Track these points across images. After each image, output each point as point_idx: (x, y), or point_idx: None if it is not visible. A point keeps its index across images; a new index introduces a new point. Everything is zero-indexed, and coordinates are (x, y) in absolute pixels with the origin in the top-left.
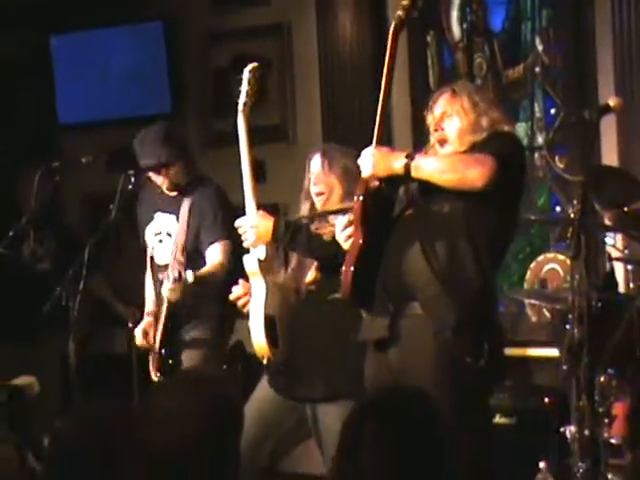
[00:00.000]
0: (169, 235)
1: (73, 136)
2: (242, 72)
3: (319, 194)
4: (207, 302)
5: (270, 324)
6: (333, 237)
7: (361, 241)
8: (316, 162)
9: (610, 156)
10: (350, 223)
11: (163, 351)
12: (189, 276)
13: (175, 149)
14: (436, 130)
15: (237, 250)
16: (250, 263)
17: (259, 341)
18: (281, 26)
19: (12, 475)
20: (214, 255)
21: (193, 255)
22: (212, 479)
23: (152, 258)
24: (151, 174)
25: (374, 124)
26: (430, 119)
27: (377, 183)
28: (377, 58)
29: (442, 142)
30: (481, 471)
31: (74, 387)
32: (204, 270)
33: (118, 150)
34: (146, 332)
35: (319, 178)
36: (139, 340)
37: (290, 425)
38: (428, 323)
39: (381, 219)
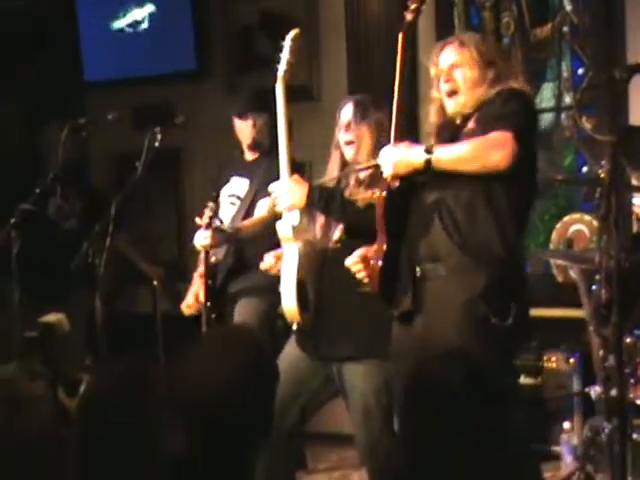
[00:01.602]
0: (239, 199)
1: (98, 93)
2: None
3: (349, 143)
4: (252, 257)
5: (301, 289)
6: (367, 204)
7: (385, 246)
8: (347, 110)
9: (638, 116)
10: (362, 259)
11: (208, 304)
12: (221, 225)
13: (263, 105)
14: (447, 81)
15: None
16: (283, 229)
17: (290, 306)
18: None
19: (46, 410)
20: (260, 210)
21: None
22: (246, 434)
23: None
24: (238, 124)
25: (390, 122)
26: (434, 71)
27: (398, 183)
28: (403, 17)
29: (452, 93)
30: (511, 430)
31: (101, 345)
32: (240, 223)
33: (144, 107)
34: (197, 295)
35: (349, 127)
36: (189, 303)
37: (317, 383)
38: (452, 285)
39: (403, 215)
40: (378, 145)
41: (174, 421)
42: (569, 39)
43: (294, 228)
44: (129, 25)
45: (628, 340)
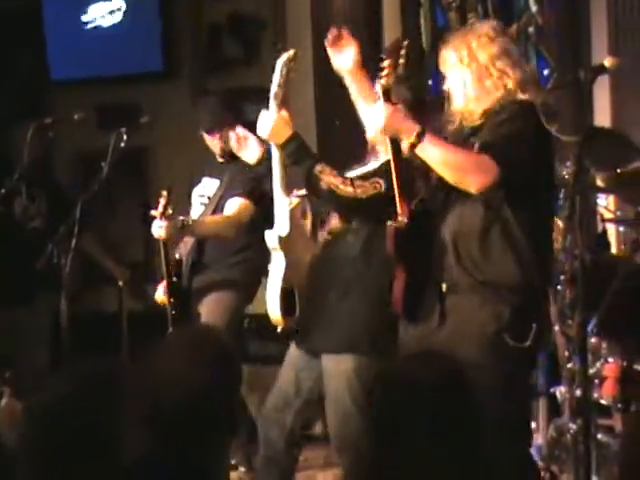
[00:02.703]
0: (209, 199)
1: (64, 93)
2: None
3: None
4: (214, 252)
5: (286, 296)
6: (371, 194)
7: (404, 275)
8: None
9: (603, 117)
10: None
11: (171, 300)
12: (179, 219)
13: (229, 115)
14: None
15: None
16: (271, 239)
17: (274, 312)
18: None
19: None
20: (228, 208)
21: None
22: (211, 433)
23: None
24: (206, 138)
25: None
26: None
27: (405, 222)
28: (370, 16)
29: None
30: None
31: (65, 345)
32: (202, 219)
33: (110, 107)
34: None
35: None
36: (159, 297)
37: (313, 381)
38: (472, 302)
39: (419, 244)
40: None
41: (138, 421)
42: (534, 40)
43: (281, 239)
44: (96, 20)
45: (593, 340)
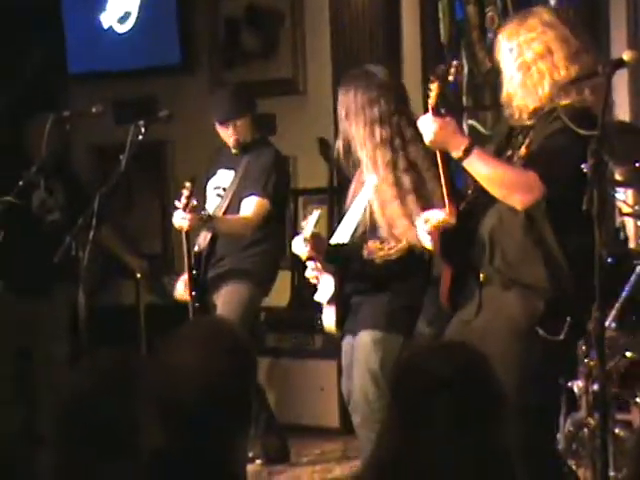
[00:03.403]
0: (224, 190)
1: (82, 86)
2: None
3: None
4: (233, 247)
5: (340, 308)
6: (385, 259)
7: (450, 273)
8: None
9: (622, 111)
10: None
11: (193, 293)
12: (203, 212)
13: (242, 106)
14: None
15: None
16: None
17: (329, 325)
18: None
19: None
20: (245, 208)
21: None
22: (227, 424)
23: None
24: (220, 129)
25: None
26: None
27: (453, 223)
28: (388, 10)
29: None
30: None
31: (83, 338)
32: (223, 216)
33: (127, 100)
34: (185, 282)
35: None
36: (180, 291)
37: None
38: (506, 294)
39: (462, 241)
40: None
41: (154, 416)
42: None
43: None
44: (114, 18)
45: (611, 334)
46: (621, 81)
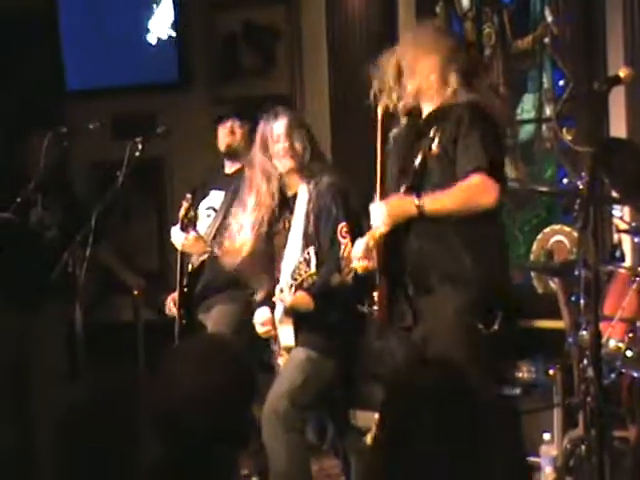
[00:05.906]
0: (215, 210)
1: (80, 102)
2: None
3: None
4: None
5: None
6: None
7: (385, 286)
8: None
9: (618, 128)
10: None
11: (181, 310)
12: (197, 233)
13: (250, 114)
14: None
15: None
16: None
17: (289, 342)
18: None
19: None
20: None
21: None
22: (224, 443)
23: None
24: (219, 131)
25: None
26: None
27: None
28: (385, 27)
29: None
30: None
31: (81, 355)
32: (223, 246)
33: (125, 116)
34: (174, 299)
35: None
36: (169, 306)
37: None
38: (443, 302)
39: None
40: None
41: (151, 433)
42: (550, 51)
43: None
44: (111, 34)
45: (608, 351)
46: (618, 98)
